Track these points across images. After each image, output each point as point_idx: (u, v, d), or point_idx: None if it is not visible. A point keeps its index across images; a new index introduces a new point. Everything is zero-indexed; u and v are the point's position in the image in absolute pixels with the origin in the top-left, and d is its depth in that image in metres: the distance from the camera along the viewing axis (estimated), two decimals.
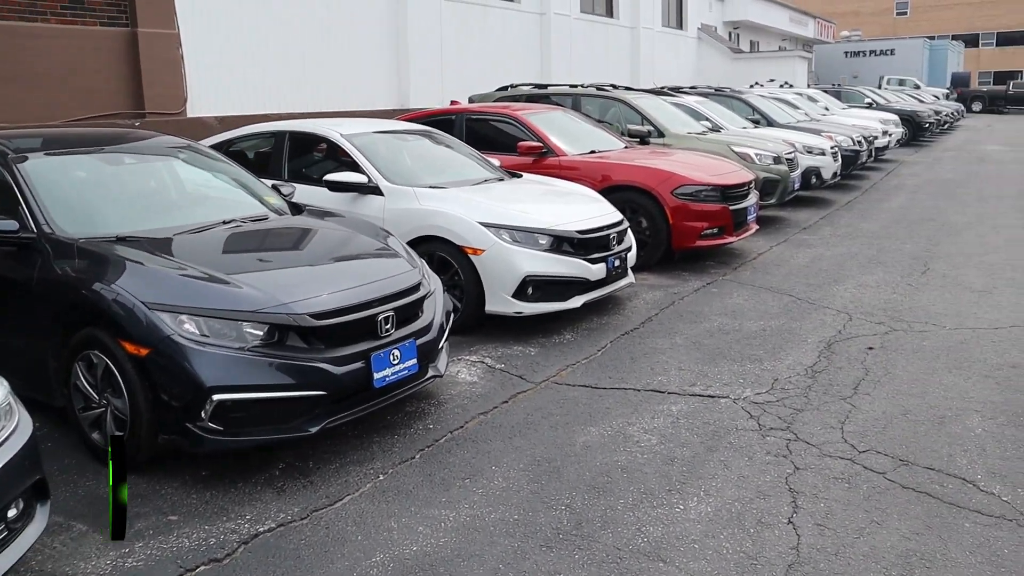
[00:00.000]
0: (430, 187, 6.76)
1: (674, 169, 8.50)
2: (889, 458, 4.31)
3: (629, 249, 6.99)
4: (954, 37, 61.98)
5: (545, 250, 6.26)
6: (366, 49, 14.25)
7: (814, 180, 12.85)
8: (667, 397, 5.17)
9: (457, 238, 6.25)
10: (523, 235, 6.24)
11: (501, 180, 7.48)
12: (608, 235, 6.67)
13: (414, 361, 4.53)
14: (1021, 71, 61.53)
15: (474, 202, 6.49)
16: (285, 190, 5.96)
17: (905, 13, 69.29)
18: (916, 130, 25.38)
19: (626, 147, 9.62)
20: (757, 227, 9.42)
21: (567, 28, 19.40)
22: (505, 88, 12.66)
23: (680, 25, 26.78)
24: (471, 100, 12.80)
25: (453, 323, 6.29)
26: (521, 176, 7.82)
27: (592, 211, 6.88)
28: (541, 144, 8.87)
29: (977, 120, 40.75)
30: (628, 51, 22.95)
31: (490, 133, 9.40)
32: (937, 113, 28.06)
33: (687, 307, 7.24)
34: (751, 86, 22.92)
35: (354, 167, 6.93)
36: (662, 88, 16.95)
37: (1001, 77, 60.15)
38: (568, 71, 19.07)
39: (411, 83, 14.78)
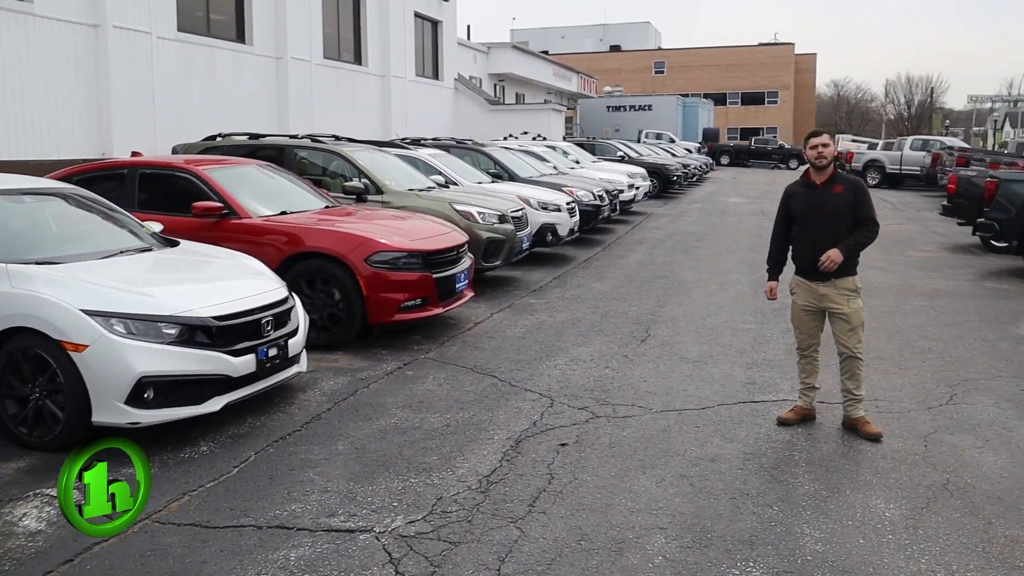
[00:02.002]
0: (37, 263, 5.36)
1: (370, 234, 7.54)
2: None
3: (293, 334, 5.87)
4: (706, 95, 66.50)
5: (171, 342, 5.03)
6: (50, 89, 12.41)
7: (550, 237, 12.38)
8: (293, 536, 4.07)
9: (53, 330, 4.89)
10: (141, 324, 4.98)
11: (147, 251, 6.17)
12: (260, 319, 5.52)
13: None
14: (762, 128, 66.78)
15: (86, 283, 5.16)
16: None
17: (663, 72, 73.75)
18: (665, 183, 26.18)
19: (327, 207, 8.57)
20: (472, 294, 8.63)
21: (307, 74, 18.25)
22: (213, 137, 11.31)
23: (436, 75, 26.29)
24: (174, 151, 11.35)
25: (47, 440, 4.97)
26: (178, 244, 6.55)
27: (246, 289, 5.73)
28: (222, 204, 7.65)
29: (724, 173, 43.31)
30: (379, 100, 22.06)
31: (166, 190, 8.09)
32: (686, 166, 29.23)
33: (369, 398, 6.20)
34: (505, 138, 22.73)
35: None
36: (403, 139, 16.17)
37: (747, 133, 64.94)
38: (309, 120, 17.89)
39: (114, 129, 13.08)
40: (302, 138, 10.93)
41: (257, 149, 10.72)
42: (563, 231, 12.58)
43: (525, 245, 10.87)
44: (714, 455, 5.19)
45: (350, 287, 7.32)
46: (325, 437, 5.39)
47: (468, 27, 55.24)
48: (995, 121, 57.77)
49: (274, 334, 5.61)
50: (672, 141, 45.88)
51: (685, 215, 21.15)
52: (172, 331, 5.05)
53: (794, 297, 5.76)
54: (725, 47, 74.29)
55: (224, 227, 7.61)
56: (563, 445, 5.31)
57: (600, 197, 15.39)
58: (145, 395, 4.92)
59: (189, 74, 14.82)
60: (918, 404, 6.24)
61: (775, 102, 72.34)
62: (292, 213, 7.97)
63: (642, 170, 22.36)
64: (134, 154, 9.71)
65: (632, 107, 53.10)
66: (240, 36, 16.65)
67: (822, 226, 5.48)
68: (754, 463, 5.09)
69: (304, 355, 6.20)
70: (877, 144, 40.66)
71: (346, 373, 6.79)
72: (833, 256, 5.40)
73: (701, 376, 6.90)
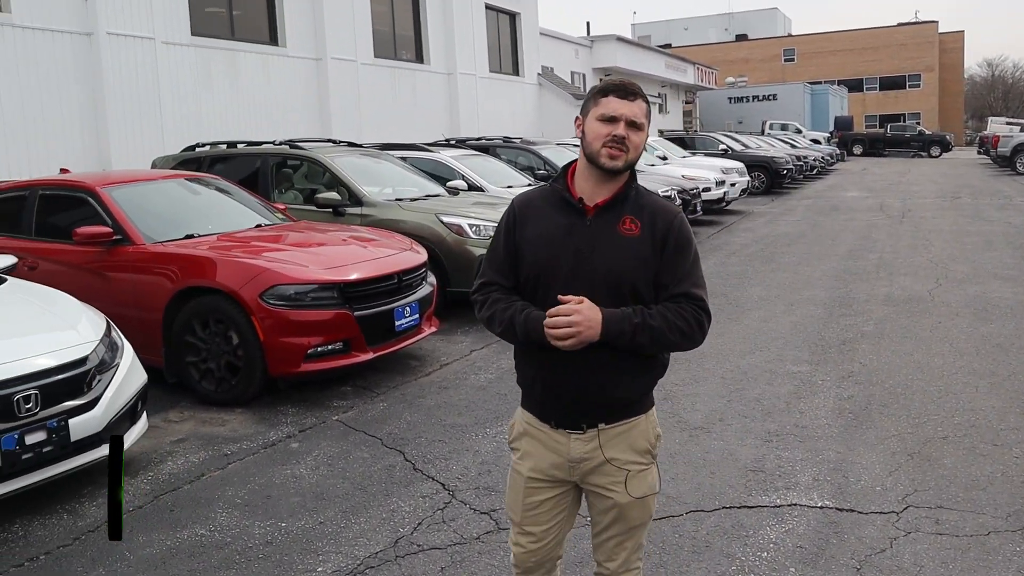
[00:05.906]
0: None
1: (273, 262, 5.94)
2: None
3: (87, 407, 4.31)
4: (839, 82, 62.13)
5: None
6: (44, 100, 11.44)
7: None
8: None
9: None
10: None
11: None
12: (12, 394, 4.00)
13: None
14: (904, 114, 61.82)
15: None
16: None
17: (792, 60, 69.52)
18: (774, 177, 23.67)
19: (259, 226, 7.06)
20: (432, 329, 6.90)
21: (352, 75, 16.92)
22: (193, 147, 10.08)
23: (516, 71, 24.57)
24: (154, 164, 10.19)
25: None
26: (5, 281, 5.17)
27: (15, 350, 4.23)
28: (111, 228, 6.26)
29: (856, 163, 39.86)
30: (445, 100, 20.56)
31: (65, 214, 6.80)
32: (799, 159, 26.48)
33: (205, 489, 4.57)
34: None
35: None
36: (448, 140, 14.70)
37: (886, 120, 60.24)
38: (357, 124, 16.55)
39: (112, 141, 11.97)
40: (280, 144, 9.51)
41: (232, 158, 9.47)
42: None
43: None
44: None
45: (246, 330, 5.75)
46: (91, 560, 3.80)
47: (588, 23, 52.94)
48: None
49: (41, 412, 4.08)
50: (799, 132, 42.77)
51: (789, 213, 18.71)
52: None
53: (516, 457, 2.59)
54: (860, 30, 69.17)
55: (116, 255, 6.24)
56: None
57: (669, 198, 13.33)
58: None
59: (207, 80, 13.70)
60: (1006, 519, 4.03)
61: (917, 86, 66.79)
62: (200, 237, 6.48)
63: (740, 165, 19.95)
64: (62, 171, 8.50)
65: (755, 98, 50.12)
66: (272, 38, 15.49)
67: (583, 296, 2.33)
68: None
69: (137, 426, 4.69)
70: None
71: (215, 444, 5.20)
72: (585, 319, 2.27)
73: (690, 456, 4.93)
